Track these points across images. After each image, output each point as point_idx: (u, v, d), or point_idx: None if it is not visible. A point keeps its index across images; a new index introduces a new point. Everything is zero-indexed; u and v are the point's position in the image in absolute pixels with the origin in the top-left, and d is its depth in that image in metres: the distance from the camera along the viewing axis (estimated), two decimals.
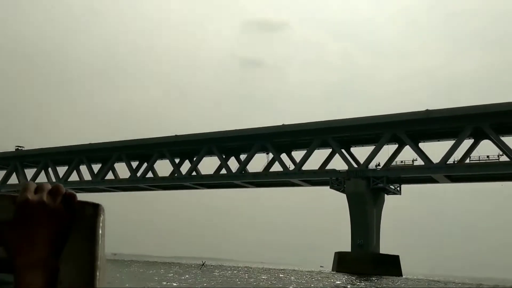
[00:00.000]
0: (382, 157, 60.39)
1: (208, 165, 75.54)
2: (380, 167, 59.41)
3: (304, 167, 62.53)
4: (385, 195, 61.14)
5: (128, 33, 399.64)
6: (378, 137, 59.16)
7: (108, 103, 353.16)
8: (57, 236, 0.91)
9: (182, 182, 71.25)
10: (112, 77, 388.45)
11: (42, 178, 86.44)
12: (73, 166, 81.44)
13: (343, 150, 61.52)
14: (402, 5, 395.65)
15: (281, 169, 63.55)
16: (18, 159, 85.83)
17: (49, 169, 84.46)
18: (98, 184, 78.65)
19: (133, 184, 75.78)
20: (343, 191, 60.42)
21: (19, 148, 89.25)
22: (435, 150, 67.90)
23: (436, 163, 56.31)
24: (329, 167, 64.17)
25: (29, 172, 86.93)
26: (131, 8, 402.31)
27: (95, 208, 0.95)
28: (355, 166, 59.55)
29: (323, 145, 62.88)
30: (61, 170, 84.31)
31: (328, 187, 62.68)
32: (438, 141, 60.29)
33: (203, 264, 55.87)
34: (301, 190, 70.22)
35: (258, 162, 70.61)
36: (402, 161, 59.95)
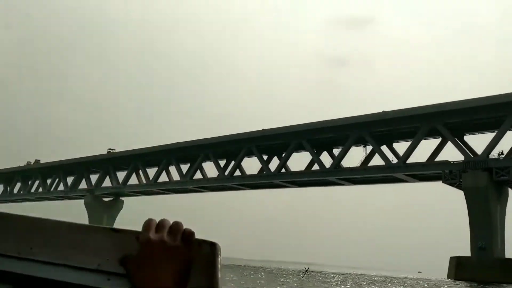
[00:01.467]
0: (503, 145, 50.94)
1: (298, 161, 70.15)
2: (503, 155, 50.00)
3: (409, 160, 54.71)
4: (510, 189, 51.64)
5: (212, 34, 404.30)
6: (499, 121, 49.97)
7: (198, 102, 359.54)
8: (179, 275, 0.94)
9: (272, 180, 66.29)
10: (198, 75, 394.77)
11: (133, 180, 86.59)
12: (162, 167, 79.93)
13: (456, 139, 52.90)
14: None
15: (383, 163, 56.21)
16: (111, 162, 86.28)
17: (140, 171, 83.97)
18: (186, 184, 76.26)
19: (221, 183, 72.24)
20: (459, 186, 51.80)
21: (111, 150, 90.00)
22: None
23: None
24: (438, 159, 55.89)
25: (121, 175, 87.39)
26: (216, 13, 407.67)
27: (212, 247, 0.97)
28: (471, 156, 50.62)
29: (430, 134, 54.65)
30: (151, 171, 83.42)
31: (440, 181, 54.45)
32: None
33: (307, 270, 50.26)
34: (407, 187, 62.33)
35: (355, 157, 64.05)
36: None
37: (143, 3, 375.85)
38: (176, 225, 0.97)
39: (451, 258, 51.69)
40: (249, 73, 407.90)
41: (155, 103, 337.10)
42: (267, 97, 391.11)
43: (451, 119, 51.31)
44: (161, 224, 0.97)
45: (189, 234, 0.96)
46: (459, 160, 51.33)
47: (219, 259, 0.95)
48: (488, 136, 54.88)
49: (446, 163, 51.56)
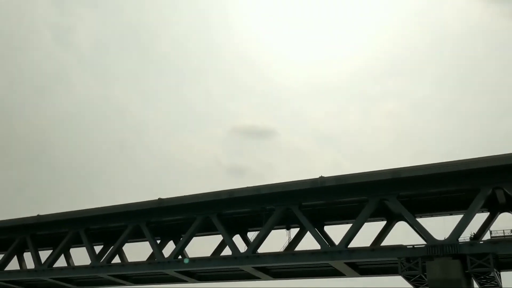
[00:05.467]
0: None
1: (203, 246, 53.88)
2: (479, 240, 38.52)
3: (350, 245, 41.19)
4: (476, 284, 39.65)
5: None
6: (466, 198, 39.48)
7: None
8: None
9: (164, 269, 48.42)
10: None
11: None
12: (12, 250, 58.30)
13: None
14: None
15: (317, 247, 41.94)
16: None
17: None
18: (43, 274, 55.00)
19: (93, 273, 52.43)
20: (417, 281, 38.82)
21: None
22: None
23: None
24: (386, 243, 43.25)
25: None
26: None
27: None
28: (436, 240, 38.31)
29: (376, 215, 42.41)
30: None
31: (393, 275, 41.38)
32: None
33: None
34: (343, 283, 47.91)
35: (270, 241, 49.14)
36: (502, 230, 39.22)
37: None
38: None
39: None
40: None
41: None
42: None
43: (404, 191, 39.63)
44: None
45: None
46: (420, 244, 38.87)
47: None
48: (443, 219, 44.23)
49: (401, 248, 38.65)
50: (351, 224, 42.98)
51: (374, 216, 43.88)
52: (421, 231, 38.53)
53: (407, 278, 38.80)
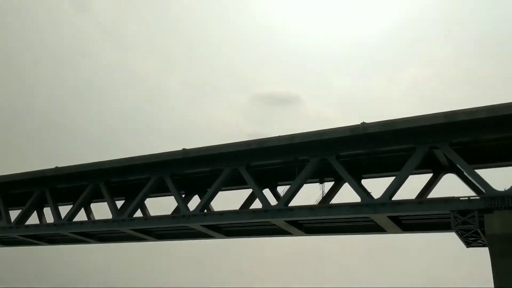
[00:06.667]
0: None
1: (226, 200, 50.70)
2: None
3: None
4: None
5: None
6: None
7: None
8: None
9: (189, 223, 45.43)
10: None
11: None
12: (30, 204, 56.13)
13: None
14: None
15: (357, 200, 38.20)
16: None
17: None
18: (63, 229, 52.76)
19: (114, 227, 49.88)
20: (471, 237, 34.99)
21: None
22: None
23: None
24: (433, 195, 39.23)
25: None
26: None
27: None
28: (495, 190, 34.22)
29: (421, 167, 38.18)
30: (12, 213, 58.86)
31: (440, 231, 37.66)
32: None
33: None
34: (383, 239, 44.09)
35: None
36: None
37: None
38: None
39: None
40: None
41: None
42: None
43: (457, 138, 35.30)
44: None
45: None
46: (475, 196, 34.81)
47: None
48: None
49: (455, 199, 34.62)
50: (391, 178, 39.05)
51: (419, 168, 39.75)
52: (479, 182, 34.27)
53: (460, 234, 34.88)
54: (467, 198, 34.28)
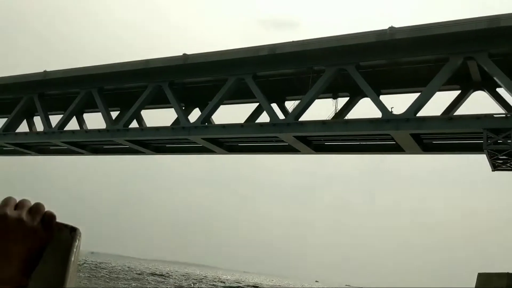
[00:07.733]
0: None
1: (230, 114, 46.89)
2: None
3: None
4: None
5: None
6: None
7: None
8: (30, 255, 0.90)
9: (189, 136, 41.84)
10: None
11: None
12: (21, 110, 52.23)
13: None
14: None
15: (378, 115, 34.30)
16: None
17: None
18: (53, 137, 49.27)
19: (108, 137, 46.39)
20: (501, 160, 31.58)
21: None
22: None
23: None
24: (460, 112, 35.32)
25: None
26: None
27: (73, 232, 0.94)
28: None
29: (449, 82, 33.85)
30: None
31: (466, 152, 34.22)
32: None
33: None
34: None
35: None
36: None
37: None
38: (37, 206, 0.92)
39: (482, 275, 31.38)
40: None
41: None
42: None
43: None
44: (21, 204, 0.92)
45: (49, 217, 0.92)
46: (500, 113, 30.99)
47: (77, 243, 0.92)
48: None
49: (489, 116, 30.83)
50: (415, 94, 35.17)
51: (447, 84, 35.54)
52: (498, 99, 30.31)
53: (492, 155, 31.42)
54: (504, 115, 30.49)
